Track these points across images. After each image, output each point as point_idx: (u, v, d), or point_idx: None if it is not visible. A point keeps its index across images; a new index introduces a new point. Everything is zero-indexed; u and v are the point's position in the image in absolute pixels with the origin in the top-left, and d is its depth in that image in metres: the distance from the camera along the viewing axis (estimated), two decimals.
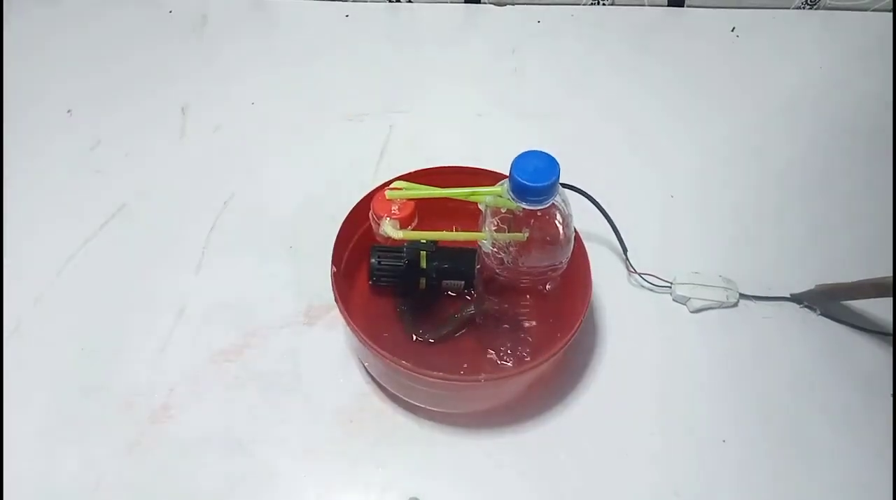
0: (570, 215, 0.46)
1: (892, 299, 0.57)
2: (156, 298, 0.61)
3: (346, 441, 0.53)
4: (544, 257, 0.47)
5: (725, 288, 0.61)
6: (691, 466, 0.52)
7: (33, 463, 0.52)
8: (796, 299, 0.61)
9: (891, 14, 0.87)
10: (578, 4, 0.88)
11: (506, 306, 0.53)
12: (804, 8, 0.88)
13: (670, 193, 0.69)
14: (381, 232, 0.51)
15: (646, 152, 0.73)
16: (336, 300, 0.50)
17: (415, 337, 0.55)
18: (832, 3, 0.88)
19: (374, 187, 0.55)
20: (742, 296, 0.61)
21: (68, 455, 0.52)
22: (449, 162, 0.58)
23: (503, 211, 0.46)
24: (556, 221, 0.45)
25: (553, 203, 0.44)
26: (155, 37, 0.85)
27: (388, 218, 0.51)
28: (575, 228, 0.49)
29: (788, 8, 0.88)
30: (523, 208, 0.44)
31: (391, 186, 0.52)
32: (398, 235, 0.50)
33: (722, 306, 0.61)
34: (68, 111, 0.76)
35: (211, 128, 0.75)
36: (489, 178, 0.55)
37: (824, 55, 0.83)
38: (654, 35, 0.86)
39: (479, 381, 0.47)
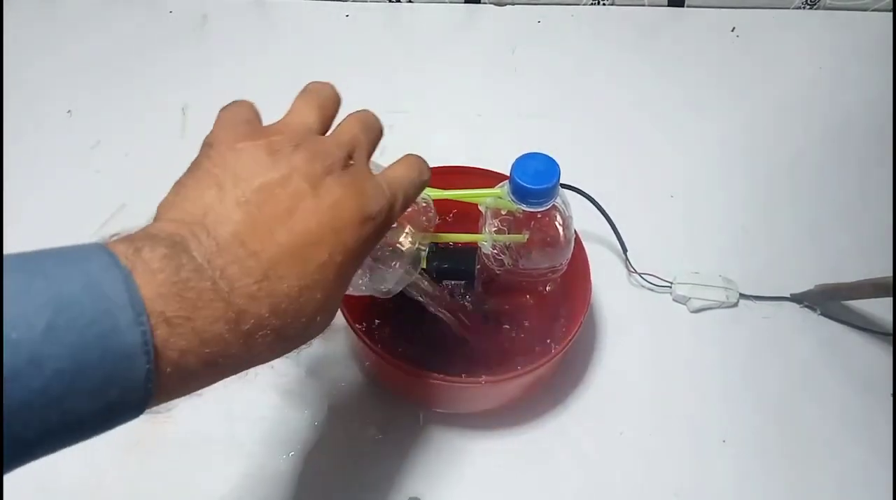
0: (571, 217, 0.46)
1: (892, 299, 0.57)
2: None
3: (346, 441, 0.53)
4: (544, 258, 0.47)
5: (725, 288, 0.61)
6: (691, 466, 0.52)
7: (33, 463, 0.52)
8: (796, 299, 0.61)
9: (891, 14, 0.87)
10: (578, 4, 0.88)
11: (506, 306, 0.53)
12: (804, 8, 0.88)
13: (670, 193, 0.69)
14: None
15: (645, 152, 0.73)
16: None
17: (414, 337, 0.55)
18: (832, 3, 0.88)
19: None
20: (742, 296, 0.61)
21: (68, 455, 0.52)
22: (449, 162, 0.58)
23: (503, 213, 0.46)
24: (557, 223, 0.45)
25: (553, 205, 0.44)
26: (155, 37, 0.85)
27: None
28: (575, 229, 0.49)
29: (788, 8, 0.88)
30: (523, 210, 0.44)
31: None
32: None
33: (722, 306, 0.61)
34: (68, 111, 0.76)
35: (211, 128, 0.75)
36: (489, 178, 0.55)
37: (824, 55, 0.83)
38: (655, 35, 0.86)
39: (480, 382, 0.47)
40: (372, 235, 0.31)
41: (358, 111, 0.36)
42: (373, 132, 0.36)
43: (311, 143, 0.31)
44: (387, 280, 0.42)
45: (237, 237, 0.27)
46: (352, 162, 0.32)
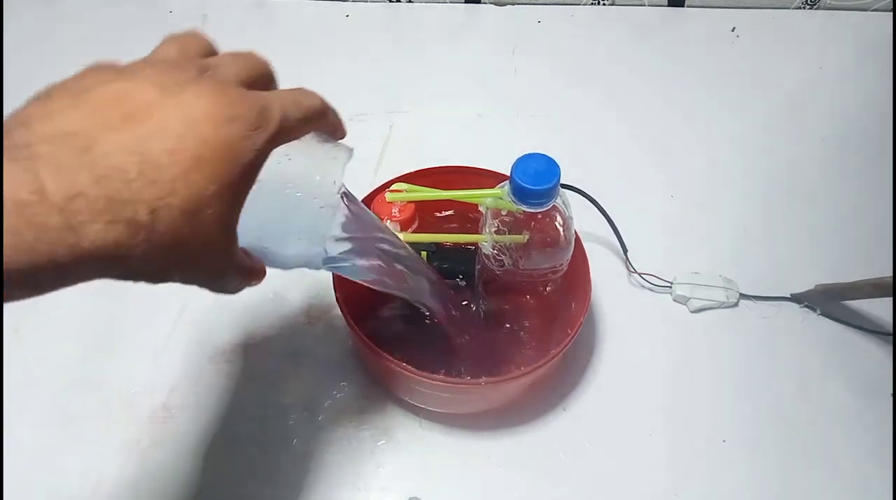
0: (571, 218, 0.46)
1: (892, 299, 0.57)
2: (156, 297, 0.60)
3: (345, 441, 0.53)
4: (544, 258, 0.47)
5: (725, 288, 0.61)
6: (691, 466, 0.52)
7: (33, 463, 0.52)
8: (796, 299, 0.61)
9: (891, 14, 0.87)
10: (578, 4, 0.88)
11: (506, 307, 0.53)
12: (804, 8, 0.88)
13: (670, 193, 0.69)
14: None
15: (645, 152, 0.73)
16: (336, 300, 0.50)
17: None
18: (832, 3, 0.88)
19: (374, 188, 0.55)
20: (742, 296, 0.61)
21: (68, 455, 0.52)
22: (449, 162, 0.58)
23: (503, 213, 0.46)
24: (557, 224, 0.45)
25: (554, 205, 0.44)
26: (155, 37, 0.85)
27: (388, 220, 0.52)
28: (575, 230, 0.49)
29: (788, 8, 0.88)
30: (523, 211, 0.44)
31: (391, 188, 0.52)
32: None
33: (722, 306, 0.61)
34: None
35: None
36: (489, 178, 0.55)
37: (824, 55, 0.83)
38: (654, 35, 0.86)
39: (480, 383, 0.47)
40: (243, 138, 0.27)
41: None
42: (246, 60, 0.31)
43: (163, 62, 0.29)
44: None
45: (58, 127, 0.24)
46: (210, 73, 0.28)
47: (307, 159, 0.35)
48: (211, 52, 0.32)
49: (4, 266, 0.22)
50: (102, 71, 0.27)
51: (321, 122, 0.33)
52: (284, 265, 0.37)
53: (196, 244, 0.27)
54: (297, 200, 0.34)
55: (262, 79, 0.32)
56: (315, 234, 0.36)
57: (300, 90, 0.33)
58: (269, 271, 0.62)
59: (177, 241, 0.26)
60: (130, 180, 0.24)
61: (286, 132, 0.30)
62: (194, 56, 0.31)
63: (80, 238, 0.23)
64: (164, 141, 0.25)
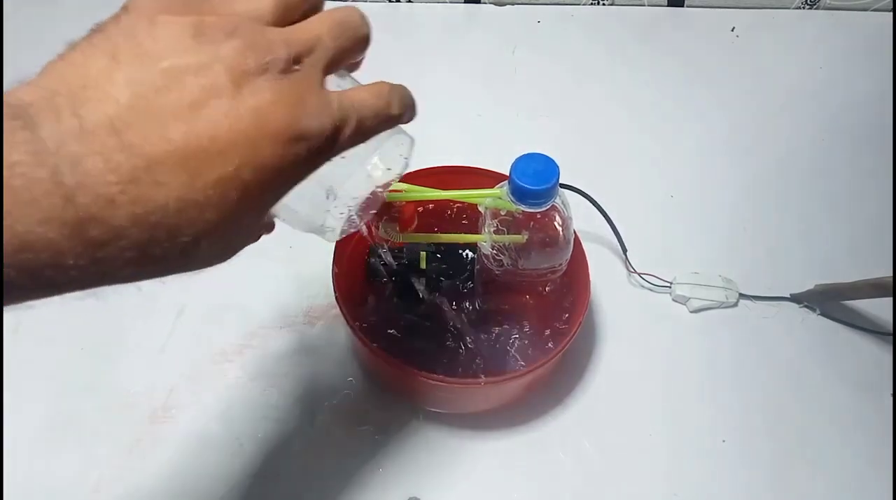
0: (570, 218, 0.46)
1: (892, 299, 0.57)
2: (156, 298, 0.61)
3: (345, 441, 0.53)
4: (544, 258, 0.47)
5: (725, 288, 0.61)
6: (691, 466, 0.52)
7: (33, 463, 0.52)
8: (796, 299, 0.61)
9: (891, 14, 0.87)
10: (578, 4, 0.88)
11: (505, 306, 0.53)
12: (804, 8, 0.88)
13: (670, 193, 0.69)
14: (379, 235, 0.51)
15: (645, 152, 0.73)
16: (336, 300, 0.50)
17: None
18: (832, 3, 0.88)
19: None
20: (742, 296, 0.61)
21: (68, 455, 0.52)
22: (449, 162, 0.58)
23: (503, 213, 0.46)
24: (556, 224, 0.46)
25: (553, 205, 0.44)
26: None
27: (386, 220, 0.52)
28: (574, 229, 0.49)
29: (788, 8, 0.88)
30: (522, 211, 0.44)
31: (391, 188, 0.52)
32: (398, 238, 0.50)
33: (722, 306, 0.61)
34: None
35: None
36: (489, 178, 0.55)
37: (824, 55, 0.83)
38: (654, 35, 0.86)
39: (480, 383, 0.47)
40: (303, 160, 0.25)
41: (339, 8, 0.28)
42: (346, 37, 0.28)
43: (250, 32, 0.24)
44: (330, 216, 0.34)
45: (112, 123, 0.21)
46: (297, 67, 0.25)
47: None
48: (314, 5, 0.28)
49: (24, 302, 0.22)
50: (179, 25, 0.23)
51: (393, 124, 0.30)
52: (295, 225, 0.36)
53: (219, 255, 0.26)
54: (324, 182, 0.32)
55: (357, 53, 0.30)
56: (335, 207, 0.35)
57: (383, 93, 0.30)
58: (268, 271, 0.63)
59: (202, 261, 0.25)
60: (168, 216, 0.22)
61: (348, 146, 0.27)
62: (293, 15, 0.27)
63: (104, 274, 0.23)
64: (219, 167, 0.23)
